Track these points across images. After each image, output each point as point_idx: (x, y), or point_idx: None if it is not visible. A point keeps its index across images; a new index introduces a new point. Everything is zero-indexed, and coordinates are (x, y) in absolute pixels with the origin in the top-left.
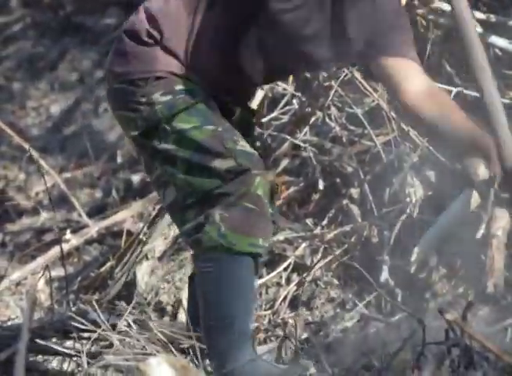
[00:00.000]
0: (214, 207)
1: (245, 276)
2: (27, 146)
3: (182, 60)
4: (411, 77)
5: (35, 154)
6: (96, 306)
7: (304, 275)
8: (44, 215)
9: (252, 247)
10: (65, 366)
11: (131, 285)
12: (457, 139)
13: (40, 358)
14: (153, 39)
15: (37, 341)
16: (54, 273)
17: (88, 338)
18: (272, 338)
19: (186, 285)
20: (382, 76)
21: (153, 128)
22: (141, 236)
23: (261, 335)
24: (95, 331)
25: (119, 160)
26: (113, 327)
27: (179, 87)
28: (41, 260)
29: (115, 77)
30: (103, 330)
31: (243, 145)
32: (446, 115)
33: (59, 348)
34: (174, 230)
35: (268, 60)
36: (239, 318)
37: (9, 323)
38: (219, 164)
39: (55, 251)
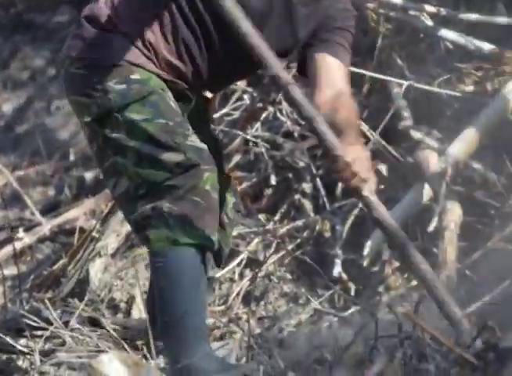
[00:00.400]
0: (162, 199)
1: (194, 269)
2: None
3: (139, 47)
4: (331, 81)
5: None
6: (49, 304)
7: (257, 270)
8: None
9: (199, 238)
10: (18, 363)
11: (84, 282)
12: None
13: None
14: (112, 24)
15: None
16: (7, 272)
17: (41, 336)
18: (227, 334)
19: (139, 282)
20: (309, 67)
21: (105, 115)
22: (93, 234)
23: (216, 331)
24: (47, 329)
25: (71, 157)
26: (66, 324)
27: (134, 76)
28: None
29: (72, 62)
30: (56, 327)
31: (193, 140)
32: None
33: (12, 347)
34: (127, 227)
35: (217, 54)
36: (191, 312)
37: None
38: (169, 157)
39: (7, 249)
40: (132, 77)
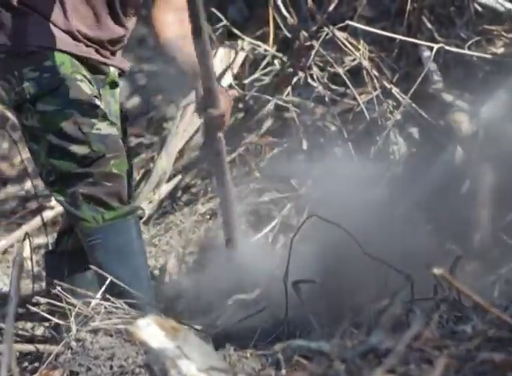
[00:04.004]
0: (75, 186)
1: (127, 240)
2: (8, 113)
3: (52, 25)
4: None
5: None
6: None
7: (291, 235)
8: (29, 183)
9: (120, 211)
10: (54, 331)
11: None
12: (183, 69)
13: (29, 325)
14: (25, 5)
15: (28, 306)
16: (41, 241)
17: (75, 305)
18: None
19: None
20: None
21: (21, 103)
22: None
23: None
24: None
25: None
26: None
27: (48, 63)
28: (26, 228)
29: None
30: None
31: (99, 127)
32: (179, 46)
33: (48, 313)
34: (160, 194)
35: None
36: (133, 282)
37: None
38: (76, 149)
39: (39, 218)
40: (46, 64)
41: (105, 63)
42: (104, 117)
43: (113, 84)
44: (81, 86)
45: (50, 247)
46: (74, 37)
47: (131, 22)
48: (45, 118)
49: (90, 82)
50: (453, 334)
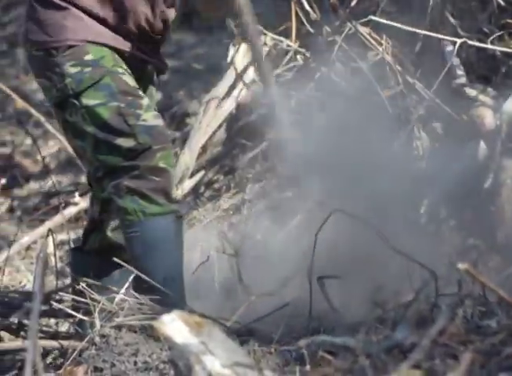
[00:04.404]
0: (121, 178)
1: (166, 236)
2: (32, 110)
3: (91, 19)
4: None
5: (42, 118)
6: None
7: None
8: (51, 179)
9: (163, 207)
10: (78, 327)
11: None
12: None
13: (53, 321)
14: (63, 0)
15: (52, 303)
16: (65, 237)
17: (99, 301)
18: None
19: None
20: None
21: (64, 100)
22: None
23: None
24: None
25: None
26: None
27: (88, 57)
28: (49, 224)
29: (31, 45)
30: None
31: (145, 118)
32: None
33: (73, 309)
34: (182, 190)
35: None
36: (168, 277)
37: (21, 287)
38: (122, 142)
39: (62, 215)
40: (86, 58)
41: (144, 60)
42: (149, 108)
43: (151, 82)
44: (124, 78)
45: (73, 244)
46: (114, 31)
47: (171, 14)
48: (90, 113)
49: (131, 76)
50: (478, 328)
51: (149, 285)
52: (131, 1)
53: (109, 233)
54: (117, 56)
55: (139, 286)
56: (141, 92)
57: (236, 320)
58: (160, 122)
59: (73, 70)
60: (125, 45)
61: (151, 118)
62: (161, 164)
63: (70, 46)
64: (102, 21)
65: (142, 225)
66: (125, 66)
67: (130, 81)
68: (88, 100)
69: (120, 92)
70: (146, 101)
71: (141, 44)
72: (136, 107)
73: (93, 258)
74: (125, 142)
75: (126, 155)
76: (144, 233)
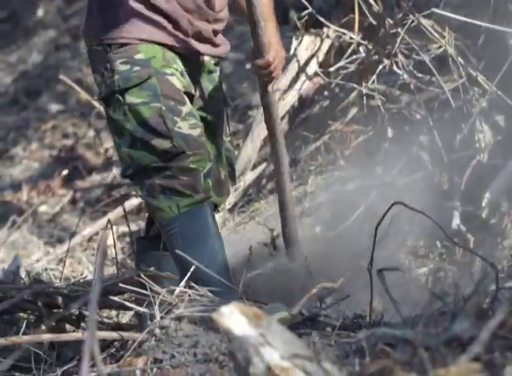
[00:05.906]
0: (152, 178)
1: (204, 226)
2: (95, 102)
3: (148, 16)
4: None
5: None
6: None
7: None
8: (114, 171)
9: (195, 198)
10: (139, 319)
11: None
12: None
13: (113, 312)
14: None
15: (111, 297)
16: (126, 229)
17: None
18: None
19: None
20: None
21: (111, 95)
22: None
23: None
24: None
25: None
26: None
27: (139, 56)
28: (111, 216)
29: (91, 40)
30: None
31: (181, 126)
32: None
33: (132, 303)
34: (245, 182)
35: None
36: (209, 269)
37: (82, 279)
38: (158, 143)
39: (127, 205)
40: (136, 57)
41: (199, 53)
42: (188, 116)
43: (210, 71)
44: (171, 80)
45: (134, 235)
46: (167, 28)
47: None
48: (132, 110)
49: (182, 75)
50: None
51: (197, 276)
52: None
53: None
54: (169, 53)
55: (191, 279)
56: (185, 98)
57: (300, 310)
58: (195, 132)
59: (122, 67)
60: (179, 42)
61: (186, 127)
62: (192, 166)
63: (123, 44)
64: (153, 18)
65: (178, 220)
66: (176, 65)
67: (178, 82)
68: (132, 98)
69: (164, 95)
70: (187, 108)
71: (201, 24)
72: (175, 113)
73: (157, 243)
74: (161, 144)
75: (160, 156)
76: (182, 227)
